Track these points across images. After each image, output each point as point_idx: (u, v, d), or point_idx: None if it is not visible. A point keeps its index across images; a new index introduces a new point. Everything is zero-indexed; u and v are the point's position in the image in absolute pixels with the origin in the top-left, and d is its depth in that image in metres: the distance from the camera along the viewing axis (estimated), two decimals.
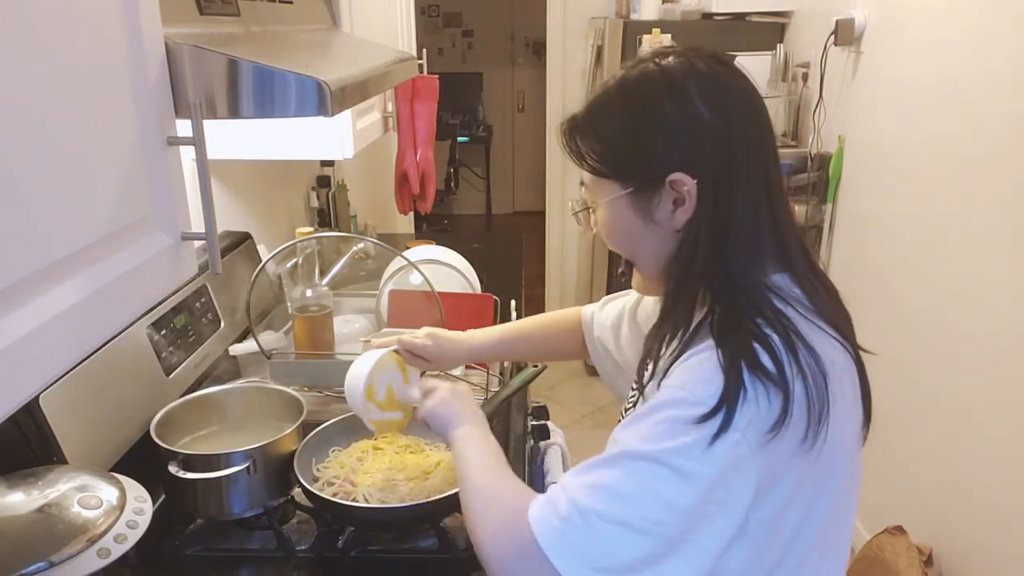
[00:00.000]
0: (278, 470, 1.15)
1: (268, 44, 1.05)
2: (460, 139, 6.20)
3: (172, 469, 1.07)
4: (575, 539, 0.73)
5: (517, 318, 1.84)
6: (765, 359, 0.73)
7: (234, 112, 0.86)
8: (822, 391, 0.74)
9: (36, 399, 1.00)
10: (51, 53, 0.61)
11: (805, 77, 2.96)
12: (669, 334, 0.81)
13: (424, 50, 2.50)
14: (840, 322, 0.83)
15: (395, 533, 1.17)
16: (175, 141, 0.79)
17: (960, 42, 2.02)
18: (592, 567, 0.72)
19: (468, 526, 0.84)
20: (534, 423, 1.63)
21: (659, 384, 0.79)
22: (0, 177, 0.55)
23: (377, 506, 1.11)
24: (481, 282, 1.85)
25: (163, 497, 1.14)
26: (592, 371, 1.27)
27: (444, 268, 1.78)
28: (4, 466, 0.92)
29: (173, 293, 1.36)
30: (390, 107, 2.13)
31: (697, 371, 0.75)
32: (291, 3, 1.30)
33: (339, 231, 2.42)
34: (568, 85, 4.09)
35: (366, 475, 1.17)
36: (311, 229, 1.65)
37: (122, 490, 0.90)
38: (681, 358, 0.78)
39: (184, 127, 0.79)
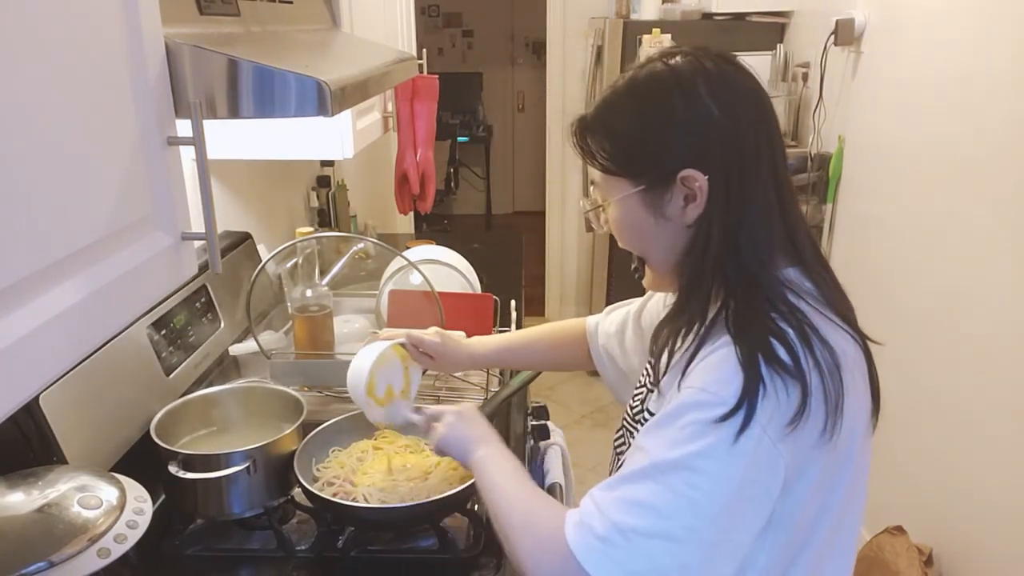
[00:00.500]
0: (278, 470, 1.15)
1: (268, 44, 1.05)
2: (460, 139, 6.19)
3: (172, 469, 1.07)
4: (617, 557, 0.74)
5: (517, 317, 1.85)
6: (782, 353, 0.75)
7: (234, 112, 0.86)
8: (837, 382, 0.76)
9: (36, 399, 1.00)
10: (51, 53, 0.61)
11: (805, 77, 2.96)
12: (684, 328, 0.83)
13: (424, 50, 2.50)
14: (848, 312, 0.85)
15: (395, 533, 1.17)
16: (175, 141, 0.79)
17: (960, 42, 2.02)
18: None
19: (507, 550, 0.86)
20: (534, 423, 1.63)
21: (679, 384, 0.80)
22: (0, 177, 0.55)
23: (377, 506, 1.11)
24: (481, 282, 1.85)
25: (163, 497, 1.14)
26: (592, 371, 1.27)
27: (444, 268, 1.78)
28: (4, 466, 0.93)
29: (173, 293, 1.36)
30: (390, 107, 2.13)
31: (717, 370, 0.76)
32: (291, 3, 1.30)
33: (339, 231, 2.42)
34: (568, 85, 4.09)
35: (366, 475, 1.17)
36: (311, 229, 1.65)
37: (122, 490, 0.90)
38: (698, 355, 0.79)
39: (184, 127, 0.79)
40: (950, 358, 2.07)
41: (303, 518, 1.21)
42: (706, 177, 0.80)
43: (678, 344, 0.83)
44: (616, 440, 1.03)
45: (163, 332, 1.32)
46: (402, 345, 1.16)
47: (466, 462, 0.99)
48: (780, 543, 0.79)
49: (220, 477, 1.09)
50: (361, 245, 2.27)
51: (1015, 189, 1.80)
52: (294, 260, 1.68)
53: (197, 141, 0.76)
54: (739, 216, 0.80)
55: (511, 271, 2.33)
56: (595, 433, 3.39)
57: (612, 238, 0.97)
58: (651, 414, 0.88)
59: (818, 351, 0.76)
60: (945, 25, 2.09)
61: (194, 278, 1.44)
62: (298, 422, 1.19)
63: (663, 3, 3.44)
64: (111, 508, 0.86)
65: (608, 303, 1.28)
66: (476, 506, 1.20)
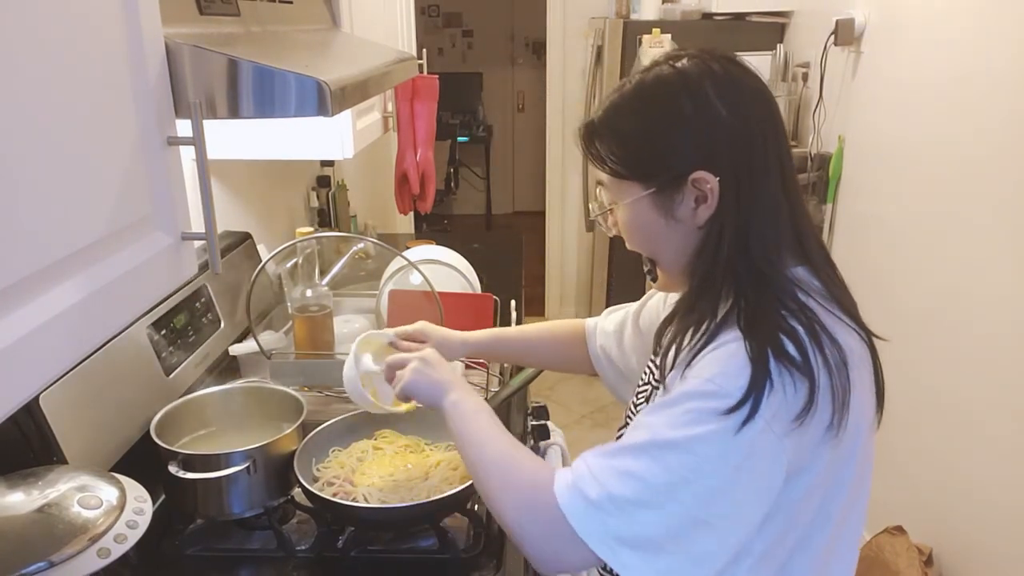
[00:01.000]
0: (278, 470, 1.15)
1: (268, 44, 1.05)
2: (460, 139, 6.19)
3: (172, 469, 1.07)
4: (609, 523, 0.77)
5: (517, 317, 1.85)
6: (791, 349, 0.76)
7: (234, 112, 0.86)
8: (844, 379, 0.77)
9: (36, 399, 1.00)
10: (51, 53, 0.61)
11: (805, 77, 2.96)
12: (694, 326, 0.83)
13: (424, 50, 2.50)
14: (853, 309, 0.86)
15: (395, 533, 1.17)
16: (175, 141, 0.79)
17: (960, 42, 2.02)
18: (624, 544, 0.77)
19: (485, 498, 0.87)
20: (534, 423, 1.63)
21: (683, 374, 0.81)
22: (0, 177, 0.55)
23: (377, 506, 1.11)
24: (481, 282, 1.85)
25: (163, 497, 1.14)
26: (592, 373, 1.26)
27: (444, 268, 1.78)
28: (4, 466, 0.93)
29: (173, 293, 1.36)
30: (390, 107, 2.13)
31: (725, 364, 0.77)
32: (291, 3, 1.30)
33: (339, 231, 2.42)
34: (568, 85, 4.09)
35: (366, 475, 1.17)
36: (311, 229, 1.65)
37: (122, 490, 0.90)
38: (707, 348, 0.80)
39: (184, 127, 0.79)
40: (950, 358, 2.07)
41: (303, 518, 1.21)
42: (717, 178, 0.81)
43: (685, 341, 0.84)
44: (618, 438, 1.04)
45: (163, 332, 1.32)
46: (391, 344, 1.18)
47: (436, 407, 0.99)
48: (776, 532, 0.80)
49: (220, 477, 1.09)
50: (361, 245, 2.27)
51: (1015, 189, 1.80)
52: (294, 260, 1.68)
53: (197, 141, 0.76)
54: (749, 216, 0.82)
55: (511, 271, 2.33)
56: (595, 433, 3.39)
57: (612, 239, 0.97)
58: None
59: (827, 348, 0.77)
60: (945, 25, 2.09)
61: (194, 278, 1.44)
62: (298, 422, 1.19)
63: (663, 3, 3.44)
64: (111, 508, 0.86)
65: (608, 303, 1.28)
66: (476, 506, 1.20)
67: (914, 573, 2.00)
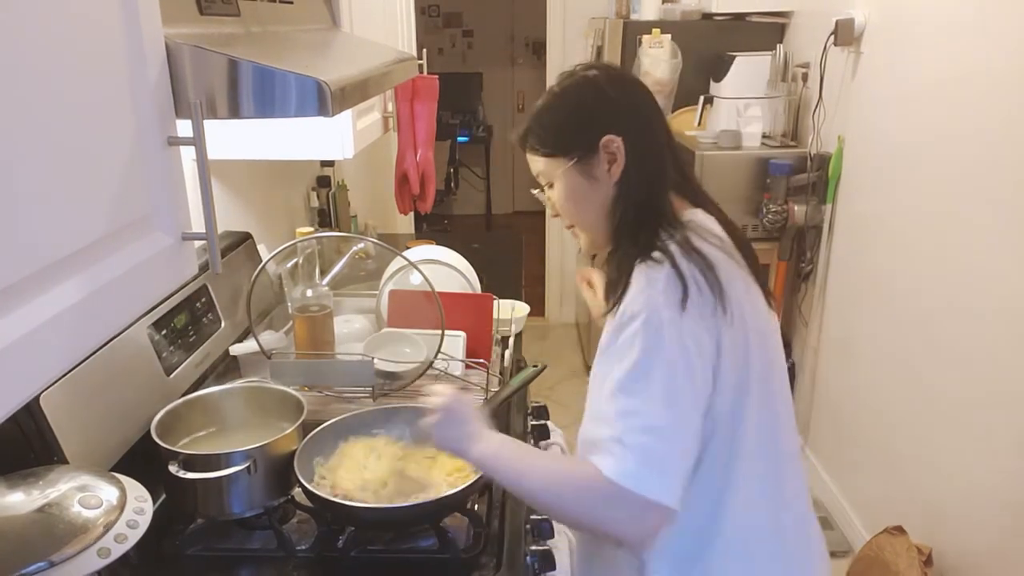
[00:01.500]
0: (278, 470, 1.15)
1: (268, 44, 1.05)
2: (460, 139, 6.19)
3: (172, 469, 1.07)
4: (660, 462, 0.91)
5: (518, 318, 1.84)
6: (657, 255, 0.97)
7: (234, 112, 0.86)
8: (711, 273, 0.97)
9: (36, 399, 1.00)
10: (52, 53, 0.61)
11: (805, 77, 2.96)
12: (619, 260, 1.02)
13: (424, 50, 2.50)
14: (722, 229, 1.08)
15: (395, 533, 1.17)
16: (175, 141, 0.79)
17: (960, 42, 2.02)
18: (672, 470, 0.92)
19: (558, 520, 1.04)
20: (534, 423, 1.63)
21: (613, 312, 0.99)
22: (0, 177, 0.55)
23: (377, 506, 1.11)
24: (481, 282, 1.85)
25: (163, 497, 1.14)
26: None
27: (444, 268, 1.78)
28: (4, 466, 0.93)
29: (173, 293, 1.36)
30: (390, 107, 2.13)
31: (631, 292, 0.96)
32: (291, 3, 1.30)
33: (339, 231, 2.42)
34: None
35: (366, 475, 1.17)
36: (311, 229, 1.65)
37: (122, 490, 0.90)
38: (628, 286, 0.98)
39: (184, 127, 0.79)
40: (950, 358, 2.07)
41: (303, 518, 1.21)
42: (620, 139, 1.03)
43: (621, 276, 1.00)
44: None
45: (163, 332, 1.32)
46: None
47: (466, 459, 1.05)
48: (706, 433, 0.96)
49: (220, 477, 1.09)
50: (361, 245, 2.27)
51: (1015, 189, 1.80)
52: (294, 260, 1.68)
53: (197, 141, 0.76)
54: (648, 164, 1.05)
55: (511, 271, 2.33)
56: None
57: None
58: None
59: (693, 254, 0.97)
60: (945, 25, 2.09)
61: (194, 278, 1.44)
62: (298, 422, 1.19)
63: (663, 3, 3.43)
64: (111, 508, 0.87)
65: None
66: (476, 506, 1.20)
67: (914, 573, 2.00)
